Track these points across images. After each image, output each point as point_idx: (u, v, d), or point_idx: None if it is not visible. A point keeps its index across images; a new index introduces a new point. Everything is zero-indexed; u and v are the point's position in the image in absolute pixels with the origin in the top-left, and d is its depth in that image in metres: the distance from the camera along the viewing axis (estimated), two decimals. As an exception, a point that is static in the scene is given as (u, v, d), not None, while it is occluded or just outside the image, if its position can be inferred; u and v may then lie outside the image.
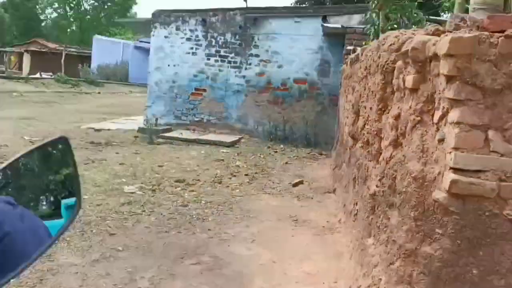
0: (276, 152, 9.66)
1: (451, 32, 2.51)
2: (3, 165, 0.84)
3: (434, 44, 2.55)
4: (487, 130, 2.34)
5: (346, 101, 6.24)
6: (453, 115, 2.39)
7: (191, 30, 11.75)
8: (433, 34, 2.82)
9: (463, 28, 2.46)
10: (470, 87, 2.34)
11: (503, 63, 2.29)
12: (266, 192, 6.20)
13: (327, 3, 20.62)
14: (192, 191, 5.94)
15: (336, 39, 10.62)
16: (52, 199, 0.94)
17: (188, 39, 11.77)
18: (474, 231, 2.32)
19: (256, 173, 7.36)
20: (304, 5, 25.78)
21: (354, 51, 8.82)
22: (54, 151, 0.97)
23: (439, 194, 2.42)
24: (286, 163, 8.49)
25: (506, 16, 2.52)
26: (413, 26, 7.43)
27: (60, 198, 0.94)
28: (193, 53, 11.76)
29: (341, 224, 4.66)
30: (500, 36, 2.29)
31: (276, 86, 11.35)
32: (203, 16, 11.64)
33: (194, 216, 4.94)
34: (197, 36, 11.72)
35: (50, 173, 0.95)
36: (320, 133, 10.96)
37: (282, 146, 10.51)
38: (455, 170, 2.36)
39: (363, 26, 9.00)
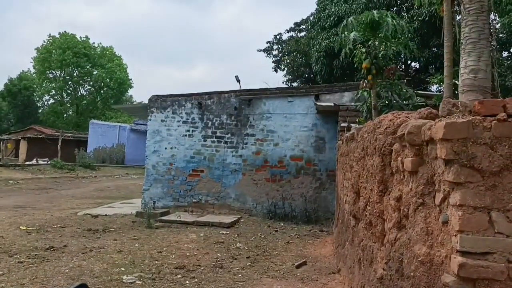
0: (276, 231, 9.55)
1: (444, 117, 2.59)
2: None
3: (429, 129, 2.62)
4: (490, 211, 2.36)
5: (344, 178, 6.28)
6: (455, 197, 2.41)
7: (187, 113, 12.03)
8: (426, 118, 2.92)
9: (456, 113, 2.55)
10: (469, 170, 2.38)
11: (498, 145, 2.36)
12: (269, 275, 6.05)
13: (319, 81, 21.32)
14: (193, 277, 5.79)
15: (329, 116, 10.90)
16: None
17: (185, 122, 12.03)
18: (488, 316, 2.27)
19: (257, 255, 7.23)
20: (295, 85, 26.63)
21: (348, 128, 9.03)
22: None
23: (448, 278, 2.39)
24: (288, 242, 8.37)
25: (495, 100, 2.62)
26: (404, 102, 7.68)
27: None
28: (190, 135, 11.97)
29: (348, 308, 4.53)
30: (493, 120, 2.37)
31: (273, 164, 11.46)
32: (199, 99, 11.98)
33: (197, 306, 4.79)
34: (193, 118, 11.99)
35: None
36: (320, 209, 10.95)
37: (282, 224, 10.42)
38: (462, 253, 2.36)
39: (355, 104, 9.27)
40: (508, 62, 14.24)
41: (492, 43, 3.99)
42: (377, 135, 3.45)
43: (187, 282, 5.62)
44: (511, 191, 2.35)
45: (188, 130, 11.99)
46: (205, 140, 11.87)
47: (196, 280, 5.72)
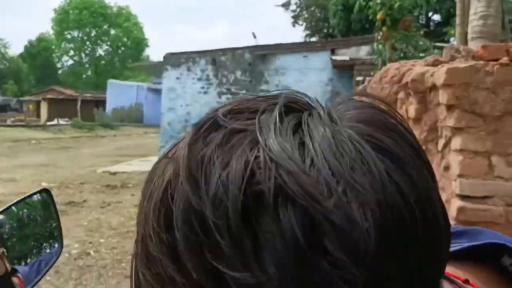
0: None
1: (447, 62, 2.56)
2: None
3: (432, 75, 2.60)
4: (490, 156, 2.37)
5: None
6: (456, 142, 2.42)
7: (201, 70, 12.01)
8: (432, 65, 2.88)
9: (458, 59, 2.52)
10: (470, 115, 2.37)
11: (500, 90, 2.33)
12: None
13: (337, 36, 20.92)
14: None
15: (345, 71, 10.75)
16: (35, 246, 0.99)
17: (199, 79, 12.02)
18: (486, 258, 2.32)
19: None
20: (313, 40, 26.17)
21: (363, 82, 8.93)
22: (37, 202, 1.03)
23: (448, 222, 2.43)
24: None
25: (499, 45, 2.57)
26: (420, 54, 7.53)
27: (43, 245, 0.98)
28: (205, 93, 11.98)
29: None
30: (495, 65, 2.33)
31: (288, 120, 11.44)
32: (213, 56, 11.91)
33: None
34: (207, 75, 11.97)
35: (34, 223, 1.00)
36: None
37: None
38: (462, 197, 2.38)
39: (370, 57, 9.13)
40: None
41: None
42: (383, 84, 3.43)
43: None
44: (512, 135, 2.34)
45: (203, 87, 12.00)
46: (220, 97, 11.87)
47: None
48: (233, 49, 11.81)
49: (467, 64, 2.37)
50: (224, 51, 11.86)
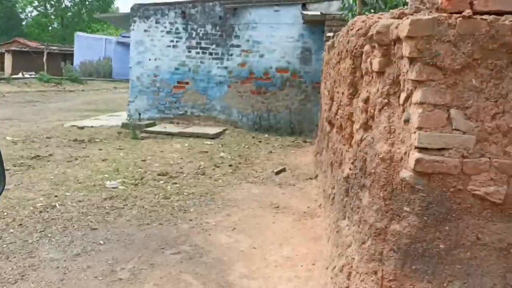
0: (260, 142, 9.71)
1: (411, 14, 2.56)
2: None
3: (396, 27, 2.59)
4: (449, 109, 2.40)
5: (325, 88, 6.30)
6: (416, 95, 2.44)
7: (170, 23, 11.71)
8: (398, 17, 2.86)
9: (423, 10, 2.51)
10: (431, 68, 2.39)
11: (462, 43, 2.34)
12: (249, 181, 6.25)
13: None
14: (175, 183, 5.97)
15: (316, 26, 10.66)
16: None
17: (168, 32, 11.74)
18: (440, 207, 2.39)
19: (239, 163, 7.40)
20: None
21: (333, 37, 8.88)
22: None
23: (406, 173, 2.48)
24: (270, 152, 8.54)
25: (463, -4, 2.57)
26: (389, 10, 7.50)
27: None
28: (174, 46, 11.74)
29: (321, 209, 4.73)
30: (458, 17, 2.34)
31: (259, 75, 11.38)
32: (182, 8, 11.61)
33: (176, 208, 4.98)
34: (177, 28, 11.69)
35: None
36: (304, 120, 11.04)
37: (266, 135, 10.56)
38: (420, 149, 2.43)
39: (341, 12, 9.05)
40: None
41: None
42: (350, 37, 3.42)
43: (168, 187, 5.80)
44: (471, 89, 2.37)
45: (172, 41, 11.73)
46: (189, 51, 11.65)
47: (177, 185, 5.90)
48: (204, 2, 11.51)
49: (430, 16, 2.37)
50: (194, 3, 11.55)
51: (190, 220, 4.61)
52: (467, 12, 2.35)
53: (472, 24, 2.33)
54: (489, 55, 2.35)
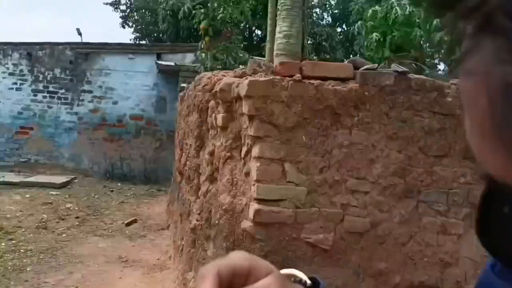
0: (112, 191, 9.34)
1: (250, 75, 2.77)
2: None
3: (237, 86, 2.78)
4: (283, 163, 2.62)
5: (177, 137, 6.37)
6: (255, 150, 2.62)
7: (14, 64, 10.94)
8: (240, 76, 3.08)
9: (260, 72, 2.74)
10: (267, 125, 2.59)
11: (293, 104, 2.60)
12: (97, 234, 5.95)
13: (166, 41, 20.86)
14: (11, 239, 5.43)
15: (171, 77, 10.81)
16: None
17: (11, 74, 10.94)
18: (277, 256, 2.55)
19: (88, 214, 7.02)
20: (141, 43, 25.68)
21: (186, 89, 9.10)
22: None
23: (246, 224, 2.61)
24: (122, 202, 8.25)
25: (294, 62, 2.87)
26: (239, 66, 7.96)
27: None
28: (17, 89, 10.93)
29: (171, 260, 4.68)
30: (290, 80, 2.60)
31: (112, 123, 11.08)
32: (28, 49, 10.95)
33: (9, 268, 4.51)
34: (21, 70, 10.95)
35: None
36: (159, 169, 10.92)
37: (119, 184, 10.20)
38: (259, 200, 2.59)
39: (194, 65, 9.34)
40: (340, 37, 15.53)
41: (305, 11, 4.32)
42: (197, 92, 3.56)
43: (2, 244, 5.26)
44: (302, 145, 2.62)
45: (15, 83, 10.92)
46: (35, 95, 10.95)
47: (14, 241, 5.37)
48: (53, 44, 11.01)
49: (266, 78, 2.59)
50: (42, 45, 10.98)
51: (26, 281, 4.21)
52: (297, 76, 2.63)
53: (301, 87, 2.60)
54: (316, 115, 2.64)
